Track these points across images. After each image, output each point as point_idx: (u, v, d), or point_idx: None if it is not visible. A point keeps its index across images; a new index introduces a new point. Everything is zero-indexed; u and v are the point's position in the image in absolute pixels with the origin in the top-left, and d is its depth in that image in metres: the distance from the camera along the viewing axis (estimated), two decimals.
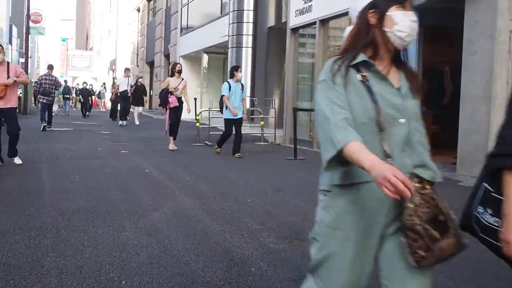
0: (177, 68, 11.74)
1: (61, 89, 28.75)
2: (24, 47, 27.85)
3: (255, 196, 6.73)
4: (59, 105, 29.81)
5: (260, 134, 14.29)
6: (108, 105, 30.34)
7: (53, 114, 17.58)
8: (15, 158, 8.54)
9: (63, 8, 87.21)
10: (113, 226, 5.09)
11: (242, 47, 18.43)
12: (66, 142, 12.87)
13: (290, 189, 7.34)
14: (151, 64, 35.92)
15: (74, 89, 34.27)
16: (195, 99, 23.43)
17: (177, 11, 27.59)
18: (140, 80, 22.07)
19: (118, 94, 20.60)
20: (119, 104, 21.51)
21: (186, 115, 25.70)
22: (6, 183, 7.09)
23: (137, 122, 20.37)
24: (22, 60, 33.91)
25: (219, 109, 11.66)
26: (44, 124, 16.01)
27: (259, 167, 9.61)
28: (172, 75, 11.72)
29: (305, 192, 7.06)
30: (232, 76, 10.92)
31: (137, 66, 39.09)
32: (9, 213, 5.42)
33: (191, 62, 26.40)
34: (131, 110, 21.44)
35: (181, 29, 27.05)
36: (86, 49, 77.97)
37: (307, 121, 13.50)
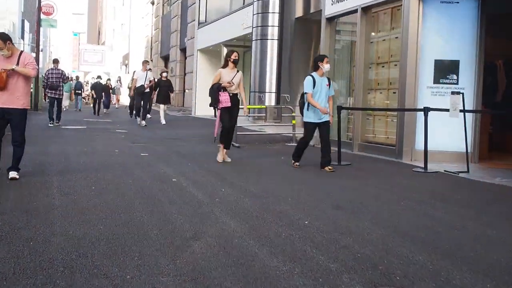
0: (232, 57, 9.18)
1: (73, 85, 27.75)
2: (35, 40, 26.74)
3: (313, 217, 5.45)
4: (70, 100, 28.73)
5: (291, 135, 12.99)
6: (123, 100, 28.93)
7: (63, 109, 17.80)
8: (11, 172, 6.92)
9: (74, 1, 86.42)
10: (145, 265, 3.82)
11: (267, 39, 17.16)
12: (79, 143, 11.67)
13: (351, 206, 6.05)
14: (165, 58, 34.74)
15: (88, 84, 33.09)
16: None
17: (194, 3, 26.31)
18: (165, 74, 19.57)
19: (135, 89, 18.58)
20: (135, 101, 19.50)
21: (203, 111, 24.50)
22: (5, 199, 5.83)
23: (163, 122, 18.42)
24: (34, 54, 32.89)
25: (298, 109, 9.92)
26: (51, 123, 16.24)
27: (301, 175, 8.32)
28: (226, 65, 9.27)
29: (370, 210, 5.78)
30: (316, 68, 8.73)
31: (151, 60, 37.91)
32: (8, 245, 4.17)
33: (209, 56, 25.16)
34: (154, 108, 20.13)
35: (199, 21, 25.75)
36: (98, 44, 77.01)
37: (345, 119, 12.22)
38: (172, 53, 31.26)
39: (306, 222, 5.24)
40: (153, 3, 39.42)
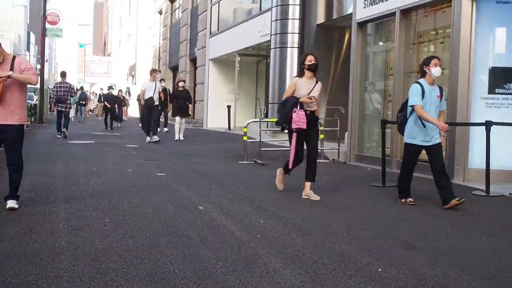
0: (307, 62, 7.00)
1: (77, 96, 26.72)
2: (40, 51, 25.78)
3: (384, 261, 4.33)
4: (75, 112, 27.70)
5: (319, 150, 11.83)
6: (131, 112, 27.38)
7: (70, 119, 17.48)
8: (8, 201, 5.78)
9: (80, 12, 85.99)
10: None
11: (287, 47, 16.10)
12: (87, 161, 10.58)
13: (424, 245, 4.91)
14: (174, 68, 33.74)
15: (98, 95, 31.74)
16: (229, 106, 21.14)
17: (205, 11, 25.30)
18: (181, 83, 17.07)
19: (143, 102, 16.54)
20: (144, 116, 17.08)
21: (215, 123, 23.40)
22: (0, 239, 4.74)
23: (179, 137, 16.26)
24: (39, 65, 31.99)
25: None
26: (59, 134, 16.52)
27: (346, 200, 7.18)
28: (302, 74, 7.08)
29: (449, 250, 4.65)
30: (423, 74, 6.69)
31: (159, 71, 36.90)
32: None
33: (222, 66, 24.12)
34: (172, 122, 18.67)
35: (211, 30, 24.73)
36: (104, 55, 76.27)
37: (380, 134, 11.11)
38: (182, 64, 30.22)
39: (379, 270, 4.11)
40: (160, 13, 38.50)
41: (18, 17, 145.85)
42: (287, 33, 16.09)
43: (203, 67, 25.24)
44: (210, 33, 24.63)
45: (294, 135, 7.03)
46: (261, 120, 12.91)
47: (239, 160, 11.52)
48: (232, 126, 20.83)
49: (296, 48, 16.02)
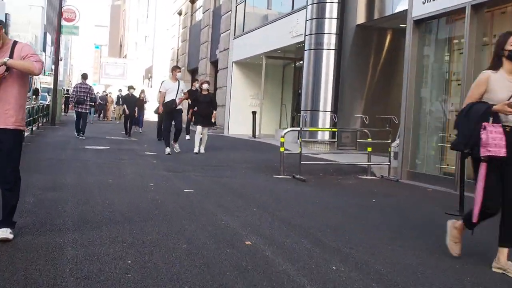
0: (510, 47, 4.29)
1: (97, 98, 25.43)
2: (55, 48, 24.60)
3: None
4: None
5: (366, 165, 10.37)
6: (147, 116, 25.38)
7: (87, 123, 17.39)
8: (1, 229, 4.39)
9: (97, 14, 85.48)
10: None
11: (323, 49, 14.71)
12: (102, 171, 9.22)
13: None
14: (193, 71, 32.43)
15: (116, 97, 29.90)
16: (254, 112, 19.74)
17: (229, 11, 23.97)
18: (206, 86, 13.61)
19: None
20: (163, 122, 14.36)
21: (237, 129, 21.95)
22: None
23: (199, 150, 13.24)
24: (53, 66, 30.93)
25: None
26: (77, 135, 16.40)
27: (419, 233, 5.72)
28: (498, 65, 4.39)
29: None
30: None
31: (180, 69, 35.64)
32: None
33: (246, 69, 22.77)
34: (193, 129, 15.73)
35: (235, 31, 23.38)
36: (120, 57, 75.38)
37: (440, 147, 9.68)
38: (201, 66, 28.87)
39: None
40: (180, 13, 37.29)
41: (35, 18, 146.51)
42: (323, 33, 14.69)
43: (225, 70, 23.88)
44: (234, 34, 23.28)
45: (484, 166, 4.23)
46: (302, 129, 11.38)
47: (274, 173, 10.12)
48: (256, 133, 19.43)
49: (333, 50, 14.61)
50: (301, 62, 20.76)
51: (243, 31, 22.51)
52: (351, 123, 13.91)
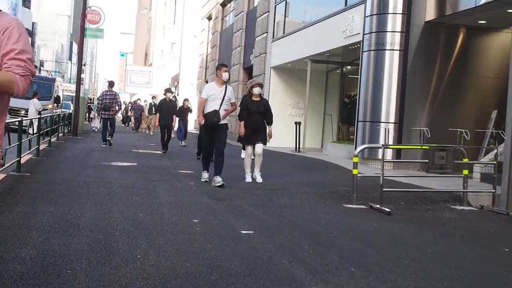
0: None
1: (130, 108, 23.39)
2: (78, 52, 22.87)
3: None
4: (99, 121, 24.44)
5: (460, 193, 8.17)
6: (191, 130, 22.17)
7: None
8: None
9: (122, 21, 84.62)
10: None
11: (386, 49, 12.61)
12: (129, 199, 7.20)
13: None
14: None
15: (149, 105, 27.38)
16: (298, 123, 17.63)
17: (267, 12, 21.97)
18: (257, 90, 9.83)
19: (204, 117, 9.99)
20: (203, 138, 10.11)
21: (275, 142, 19.80)
22: None
23: (255, 177, 9.91)
24: (82, 75, 29.32)
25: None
26: (104, 144, 16.40)
27: None
28: None
29: None
30: None
31: (206, 82, 33.80)
32: None
33: (286, 75, 20.71)
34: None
35: (274, 33, 21.35)
36: (145, 65, 74.00)
37: None
38: (234, 73, 26.87)
39: None
40: (210, 18, 35.49)
41: (62, 27, 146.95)
42: (386, 31, 12.56)
43: (261, 77, 21.84)
44: (273, 37, 21.24)
45: None
46: (386, 145, 9.21)
47: (343, 201, 8.03)
48: (301, 147, 17.32)
49: (397, 51, 12.48)
50: (349, 67, 18.72)
51: (284, 33, 20.46)
52: (441, 139, 11.35)
